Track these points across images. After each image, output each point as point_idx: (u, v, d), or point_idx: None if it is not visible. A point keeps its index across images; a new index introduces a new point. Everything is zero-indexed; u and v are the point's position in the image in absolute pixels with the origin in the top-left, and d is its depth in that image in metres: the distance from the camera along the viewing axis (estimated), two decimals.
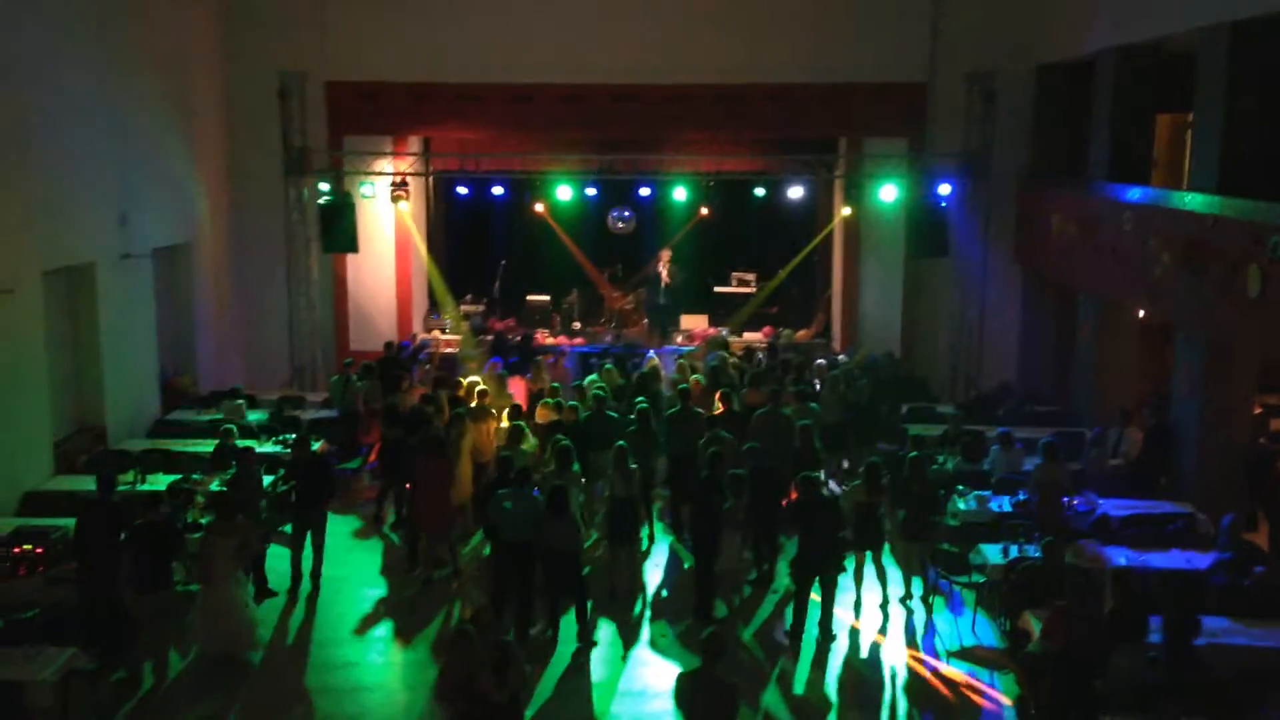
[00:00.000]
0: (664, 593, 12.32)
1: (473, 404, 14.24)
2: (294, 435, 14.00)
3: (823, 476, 12.66)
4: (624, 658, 10.83)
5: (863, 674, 10.58)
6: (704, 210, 20.48)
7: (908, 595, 11.88)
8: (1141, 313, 15.84)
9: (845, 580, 11.46)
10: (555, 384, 15.69)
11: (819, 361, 17.22)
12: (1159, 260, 13.18)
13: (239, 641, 10.59)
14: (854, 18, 18.47)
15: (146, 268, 15.88)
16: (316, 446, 14.53)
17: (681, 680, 7.87)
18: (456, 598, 11.98)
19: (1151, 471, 13.62)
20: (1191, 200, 12.62)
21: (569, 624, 11.13)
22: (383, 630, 11.40)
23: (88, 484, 12.91)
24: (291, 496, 12.37)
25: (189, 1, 17.52)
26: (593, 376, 15.77)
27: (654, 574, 12.76)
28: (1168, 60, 15.40)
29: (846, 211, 19.44)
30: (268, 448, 14.29)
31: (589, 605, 11.15)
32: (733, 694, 7.79)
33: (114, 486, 10.86)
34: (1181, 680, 8.56)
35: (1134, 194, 14.25)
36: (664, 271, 20.38)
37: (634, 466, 12.10)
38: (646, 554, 13.12)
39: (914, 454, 12.25)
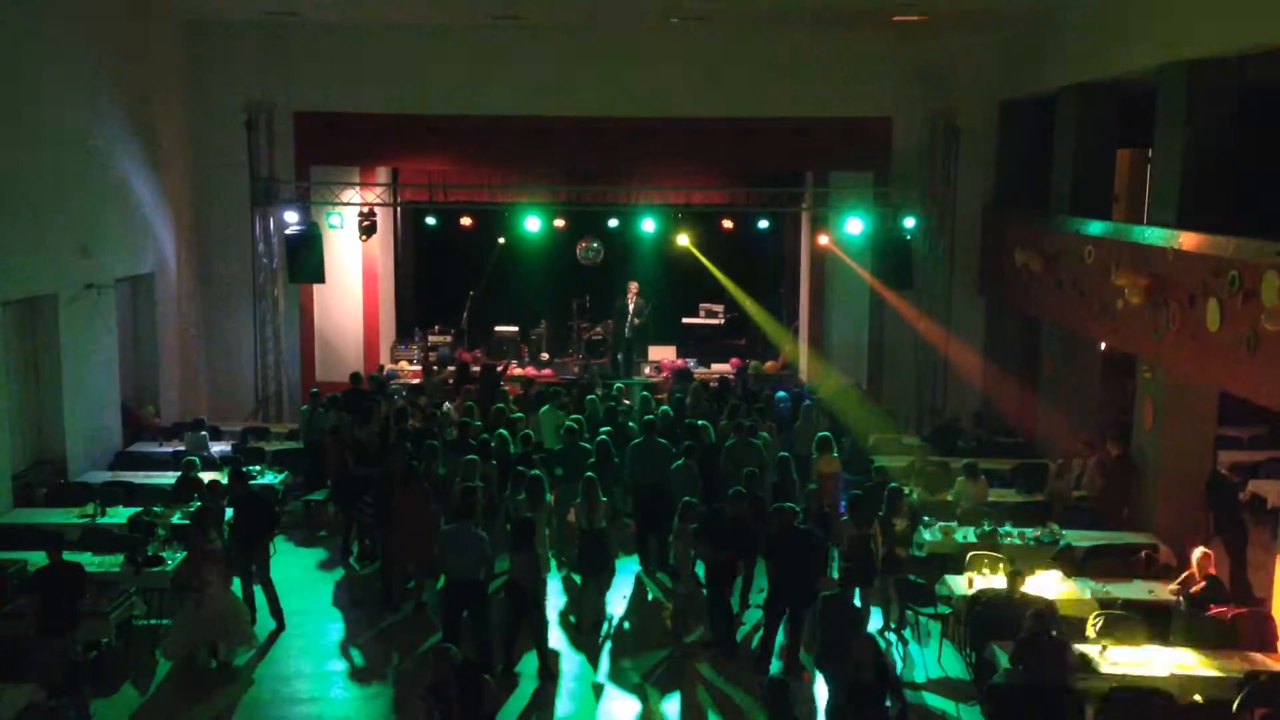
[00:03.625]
0: (626, 624, 12.26)
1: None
2: (257, 467, 13.88)
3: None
4: (589, 691, 10.75)
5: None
6: (684, 240, 20.65)
7: (885, 627, 11.87)
8: (1103, 345, 16.02)
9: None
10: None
11: (779, 394, 17.26)
12: (1120, 293, 13.33)
13: (236, 635, 10.84)
14: (820, 54, 18.65)
15: (109, 298, 15.74)
16: (276, 480, 14.46)
17: (823, 601, 9.92)
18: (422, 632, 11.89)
19: (1114, 503, 13.73)
20: (1152, 234, 12.80)
21: (529, 659, 11.03)
22: (345, 665, 11.27)
23: (49, 517, 12.85)
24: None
25: (154, 31, 17.46)
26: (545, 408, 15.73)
27: (618, 605, 12.69)
28: (1128, 96, 15.66)
29: (824, 241, 19.57)
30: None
31: (547, 639, 11.09)
32: (862, 614, 10.04)
33: None
34: None
35: (1095, 228, 14.43)
36: (631, 304, 20.43)
37: (604, 499, 12.07)
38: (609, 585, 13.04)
39: (893, 484, 12.31)
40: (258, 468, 14.58)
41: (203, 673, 10.83)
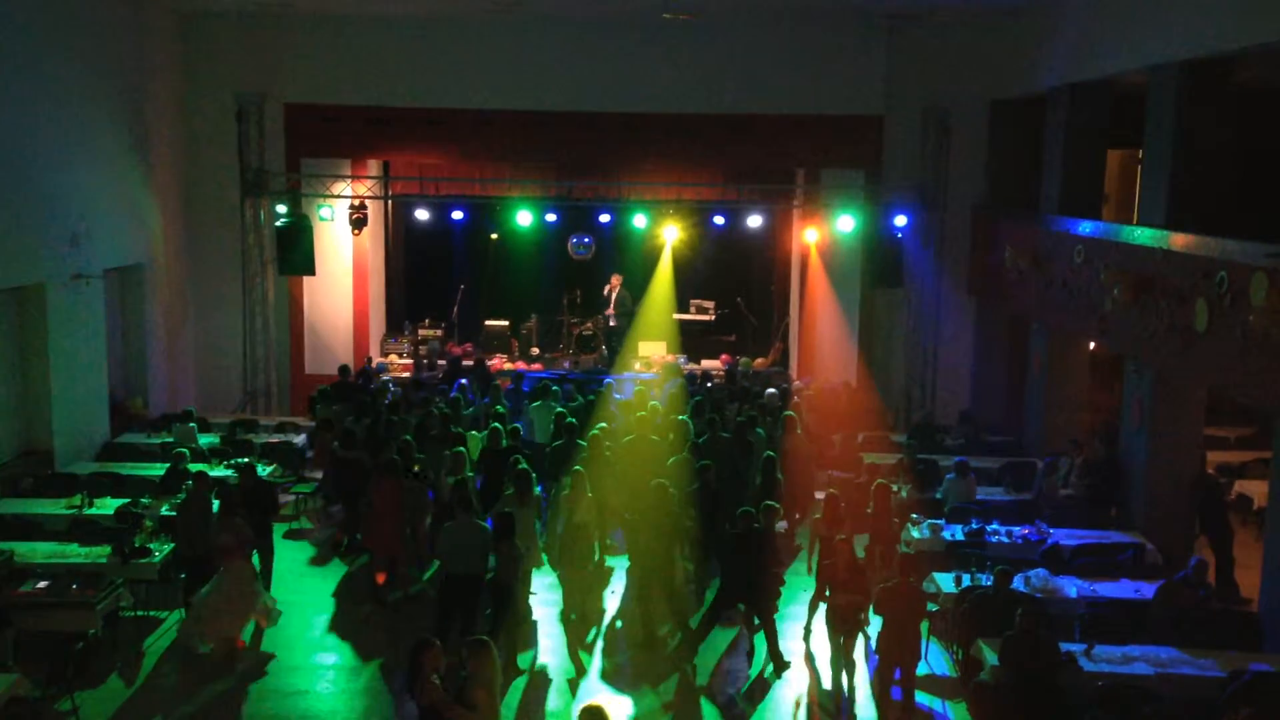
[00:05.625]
0: (619, 623, 12.26)
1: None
2: (244, 459, 13.82)
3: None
4: (577, 687, 10.75)
5: (817, 703, 10.59)
6: (674, 235, 20.69)
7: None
8: (1092, 345, 16.07)
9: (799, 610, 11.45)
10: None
11: (770, 391, 17.25)
12: (1109, 293, 13.39)
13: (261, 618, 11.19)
14: (812, 51, 18.67)
15: (98, 288, 15.67)
16: (264, 473, 14.43)
17: (880, 591, 9.83)
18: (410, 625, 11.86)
19: (1102, 502, 13.79)
20: (1141, 235, 12.84)
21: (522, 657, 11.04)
22: (333, 658, 11.26)
23: (35, 508, 12.81)
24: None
25: (146, 21, 17.38)
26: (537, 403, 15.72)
27: (609, 601, 12.67)
28: (1118, 97, 15.71)
29: (813, 237, 19.62)
30: (218, 471, 14.09)
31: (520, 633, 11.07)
32: (924, 598, 9.92)
33: None
34: None
35: (1085, 228, 14.48)
36: (613, 297, 20.43)
37: (590, 495, 12.06)
38: (605, 581, 13.04)
39: (879, 481, 12.34)
40: (246, 460, 14.53)
41: (190, 664, 10.82)
